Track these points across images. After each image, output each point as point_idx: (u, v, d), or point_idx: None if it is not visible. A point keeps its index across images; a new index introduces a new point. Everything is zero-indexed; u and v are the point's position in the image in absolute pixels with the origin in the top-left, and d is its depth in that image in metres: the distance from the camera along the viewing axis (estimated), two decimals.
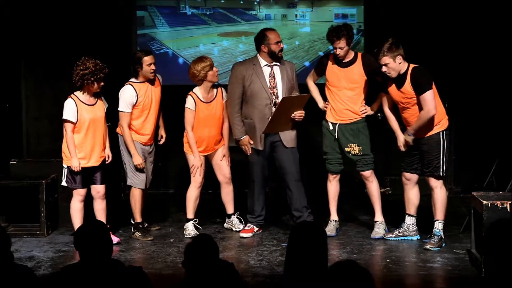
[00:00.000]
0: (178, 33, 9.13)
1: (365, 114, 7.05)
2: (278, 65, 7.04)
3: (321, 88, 7.22)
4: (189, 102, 7.08)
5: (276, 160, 7.15)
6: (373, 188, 7.12)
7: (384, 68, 6.57)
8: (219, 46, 9.03)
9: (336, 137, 7.04)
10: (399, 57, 6.52)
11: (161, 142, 7.43)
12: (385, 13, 8.73)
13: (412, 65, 6.59)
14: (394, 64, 6.53)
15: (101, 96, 6.96)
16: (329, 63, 7.06)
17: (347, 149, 7.04)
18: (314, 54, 8.75)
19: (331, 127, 7.07)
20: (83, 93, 6.82)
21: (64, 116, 6.74)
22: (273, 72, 7.03)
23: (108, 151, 6.99)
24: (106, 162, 6.99)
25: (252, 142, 7.07)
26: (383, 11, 8.75)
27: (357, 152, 7.02)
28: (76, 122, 6.75)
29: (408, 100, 6.60)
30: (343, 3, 9.00)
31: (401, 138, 6.82)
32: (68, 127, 6.74)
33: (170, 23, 9.11)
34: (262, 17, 9.09)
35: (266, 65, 7.04)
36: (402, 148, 6.84)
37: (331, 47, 9.07)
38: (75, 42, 8.80)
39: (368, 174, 7.08)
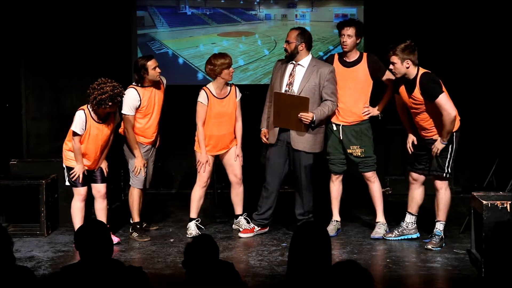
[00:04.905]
0: (178, 33, 9.13)
1: (369, 116, 7.02)
2: (301, 65, 6.98)
3: None
4: (202, 96, 7.08)
5: (290, 162, 7.14)
6: (375, 189, 7.11)
7: (390, 66, 6.56)
8: (219, 46, 9.01)
9: (341, 138, 7.02)
10: (408, 61, 6.48)
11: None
12: (385, 13, 8.72)
13: (421, 71, 6.56)
14: (400, 66, 6.50)
15: (116, 112, 6.90)
16: (334, 63, 7.04)
17: (349, 151, 7.03)
18: (313, 54, 8.71)
19: (335, 128, 7.04)
20: (95, 111, 6.74)
21: (72, 128, 6.71)
22: (294, 71, 7.00)
23: (104, 165, 6.95)
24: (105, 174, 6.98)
25: (267, 136, 7.11)
26: (383, 11, 8.74)
27: (359, 154, 7.01)
28: (82, 134, 6.74)
29: (418, 106, 6.58)
30: (343, 3, 8.99)
31: (409, 139, 6.83)
32: (76, 138, 6.72)
33: (170, 23, 9.11)
34: (262, 17, 9.08)
35: (291, 62, 7.03)
36: (410, 150, 6.84)
37: (331, 47, 9.05)
38: (75, 42, 8.82)
39: (370, 175, 7.08)
